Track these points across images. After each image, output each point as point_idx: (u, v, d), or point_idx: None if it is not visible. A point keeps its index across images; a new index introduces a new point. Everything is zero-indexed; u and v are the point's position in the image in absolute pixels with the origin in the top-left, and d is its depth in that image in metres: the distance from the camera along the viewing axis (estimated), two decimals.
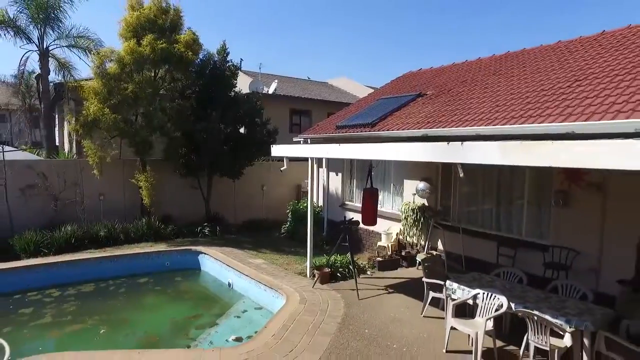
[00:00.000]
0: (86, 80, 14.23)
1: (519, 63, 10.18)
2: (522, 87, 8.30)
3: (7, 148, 12.24)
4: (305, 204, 12.32)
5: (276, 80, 19.92)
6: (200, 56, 12.53)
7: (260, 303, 7.57)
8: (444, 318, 5.74)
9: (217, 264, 9.37)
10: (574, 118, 5.95)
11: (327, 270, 7.88)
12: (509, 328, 5.70)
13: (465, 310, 5.72)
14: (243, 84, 16.31)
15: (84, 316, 7.14)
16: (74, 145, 14.21)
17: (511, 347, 5.25)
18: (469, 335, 5.25)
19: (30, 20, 11.99)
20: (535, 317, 4.55)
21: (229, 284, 8.69)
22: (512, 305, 4.89)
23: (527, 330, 4.69)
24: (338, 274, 8.02)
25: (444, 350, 5.22)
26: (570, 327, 4.38)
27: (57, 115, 19.34)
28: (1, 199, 10.11)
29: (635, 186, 6.11)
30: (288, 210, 12.95)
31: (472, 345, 5.01)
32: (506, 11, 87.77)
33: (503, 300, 4.91)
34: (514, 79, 9.12)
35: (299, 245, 11.11)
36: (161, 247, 10.54)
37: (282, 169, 7.88)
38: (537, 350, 4.84)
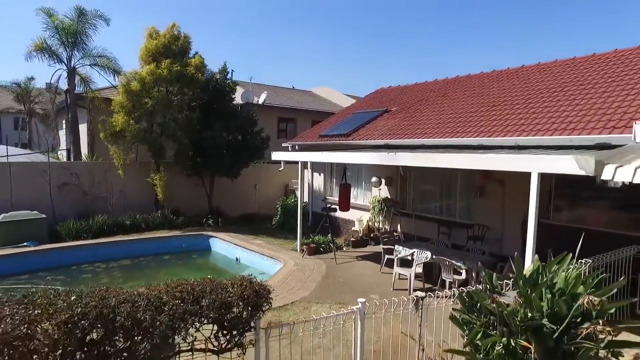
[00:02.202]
0: (101, 90, 16.55)
1: (462, 87, 12.99)
2: (459, 108, 11.09)
3: (18, 151, 14.38)
4: (292, 200, 14.90)
5: (265, 92, 22.38)
6: (205, 75, 14.96)
7: (263, 270, 10.08)
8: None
9: (225, 245, 11.86)
10: (483, 134, 8.73)
11: (313, 245, 10.50)
12: (437, 276, 8.41)
13: (408, 265, 8.40)
14: (235, 94, 18.71)
15: (132, 279, 9.56)
16: (87, 148, 16.46)
17: (435, 288, 7.94)
18: (408, 280, 7.91)
19: (60, 43, 14.20)
20: (447, 262, 7.27)
21: (237, 259, 11.18)
22: (434, 256, 7.60)
23: (441, 271, 7.41)
24: (321, 249, 10.64)
25: (392, 289, 7.89)
26: (464, 267, 7.11)
27: (64, 121, 21.40)
28: (46, 194, 12.35)
29: (520, 181, 8.91)
30: (278, 206, 15.41)
31: (409, 286, 7.68)
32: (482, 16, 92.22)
33: (428, 254, 7.62)
34: (456, 100, 11.91)
35: (288, 233, 13.62)
36: (177, 232, 12.96)
37: (280, 169, 10.48)
38: (449, 285, 7.56)
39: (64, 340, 2.50)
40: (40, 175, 12.32)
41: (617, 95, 7.90)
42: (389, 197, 11.82)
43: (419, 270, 7.61)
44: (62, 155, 19.40)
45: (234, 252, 11.39)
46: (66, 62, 14.52)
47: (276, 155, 10.44)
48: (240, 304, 3.20)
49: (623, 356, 4.72)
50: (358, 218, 12.59)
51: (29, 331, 2.40)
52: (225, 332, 3.28)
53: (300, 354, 5.31)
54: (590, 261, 4.99)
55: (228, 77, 15.57)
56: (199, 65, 13.96)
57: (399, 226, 11.70)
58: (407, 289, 7.69)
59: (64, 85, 15.37)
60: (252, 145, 15.10)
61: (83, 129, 16.67)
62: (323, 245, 10.74)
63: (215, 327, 3.27)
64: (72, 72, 14.68)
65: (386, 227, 11.88)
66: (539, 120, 8.28)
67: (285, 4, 76.65)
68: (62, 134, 23.02)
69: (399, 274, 7.97)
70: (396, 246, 8.44)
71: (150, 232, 13.06)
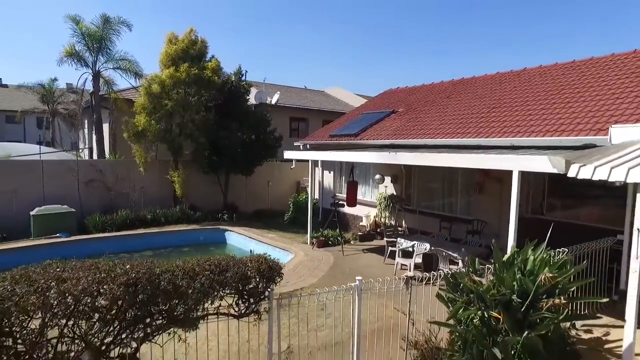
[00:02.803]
0: (121, 91, 17.47)
1: (466, 89, 13.51)
2: (462, 109, 11.65)
3: (47, 149, 15.32)
4: (303, 197, 15.61)
5: (278, 92, 23.09)
6: (221, 77, 15.74)
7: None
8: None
9: (240, 238, 12.63)
10: (481, 135, 9.31)
11: (322, 238, 11.21)
12: (435, 267, 9.03)
13: (410, 257, 9.04)
14: (249, 95, 19.47)
15: None
16: (109, 147, 17.41)
17: None
18: (408, 269, 8.55)
19: (86, 49, 15.13)
20: (443, 253, 7.89)
21: (251, 251, 11.82)
22: (432, 248, 8.23)
23: (438, 262, 8.04)
24: (329, 242, 11.34)
25: (395, 275, 8.53)
26: (459, 257, 7.72)
27: (86, 121, 22.47)
28: (75, 189, 13.29)
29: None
30: (290, 202, 16.15)
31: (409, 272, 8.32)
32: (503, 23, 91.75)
33: (427, 245, 8.25)
34: (459, 102, 12.46)
35: (299, 228, 14.32)
36: (194, 226, 13.79)
37: (291, 167, 11.19)
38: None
39: (122, 299, 3.24)
40: (69, 172, 13.26)
41: (608, 99, 8.41)
42: (395, 194, 12.45)
43: (419, 260, 8.25)
44: (84, 153, 20.47)
45: (249, 244, 12.13)
46: (91, 66, 15.44)
47: (288, 154, 11.18)
48: (257, 276, 3.92)
49: (592, 333, 5.34)
50: (366, 214, 13.25)
51: (98, 289, 3.14)
52: (244, 300, 3.99)
53: (307, 330, 6.02)
54: (567, 250, 5.58)
55: (242, 79, 16.35)
56: (215, 69, 14.76)
57: (404, 221, 12.33)
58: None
59: (87, 87, 16.30)
60: (266, 144, 15.84)
61: (105, 128, 17.61)
62: (331, 239, 11.43)
63: (236, 296, 3.98)
64: (96, 76, 15.61)
65: (392, 222, 12.51)
66: (534, 122, 8.83)
67: (296, 3, 77.56)
68: (83, 134, 24.18)
69: (401, 264, 8.62)
70: (398, 239, 9.09)
71: (169, 225, 13.91)
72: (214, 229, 13.56)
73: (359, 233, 12.37)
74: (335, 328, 6.21)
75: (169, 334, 3.75)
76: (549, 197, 9.14)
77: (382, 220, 12.70)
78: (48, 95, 30.37)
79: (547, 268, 4.41)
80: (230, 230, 13.23)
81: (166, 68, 14.28)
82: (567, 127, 8.01)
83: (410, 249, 8.72)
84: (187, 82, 14.16)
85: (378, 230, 12.69)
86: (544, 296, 4.32)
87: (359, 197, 13.70)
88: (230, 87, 15.87)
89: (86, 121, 22.30)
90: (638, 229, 4.14)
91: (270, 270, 4.00)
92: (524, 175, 9.50)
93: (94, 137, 16.19)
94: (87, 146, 18.87)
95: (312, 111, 24.10)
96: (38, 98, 30.17)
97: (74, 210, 12.52)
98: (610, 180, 4.23)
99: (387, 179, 12.60)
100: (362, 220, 13.31)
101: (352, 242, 11.98)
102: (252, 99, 18.21)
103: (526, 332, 4.01)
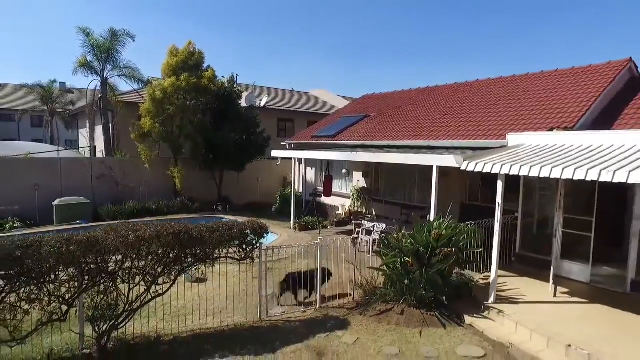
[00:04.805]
0: (123, 94, 19.35)
1: (429, 96, 15.73)
2: (422, 115, 13.87)
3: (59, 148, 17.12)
4: (289, 191, 17.70)
5: (267, 95, 25.18)
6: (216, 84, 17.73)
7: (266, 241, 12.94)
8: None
9: None
10: (432, 138, 11.55)
11: (303, 223, 13.37)
12: None
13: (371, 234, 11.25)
14: (241, 99, 21.47)
15: None
16: (111, 146, 19.29)
17: None
18: (368, 244, 10.75)
19: (95, 58, 17.02)
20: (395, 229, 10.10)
21: None
22: (387, 227, 10.44)
23: None
24: (309, 226, 13.51)
25: (359, 251, 10.73)
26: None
27: (87, 121, 24.25)
28: (88, 183, 15.23)
29: (459, 174, 11.72)
30: (277, 195, 18.21)
31: (369, 248, 10.53)
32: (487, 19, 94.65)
33: (384, 226, 10.47)
34: (420, 108, 14.68)
35: (285, 217, 16.41)
36: (194, 215, 15.82)
37: (277, 164, 13.30)
38: None
39: (171, 244, 5.34)
40: (83, 169, 15.19)
41: (526, 109, 10.70)
42: (366, 187, 14.65)
43: (377, 237, 10.46)
44: (86, 151, 22.27)
45: None
46: (100, 74, 17.33)
47: (274, 153, 13.33)
48: (251, 233, 6.05)
49: (488, 280, 7.59)
50: (342, 204, 15.44)
51: (158, 235, 5.23)
52: (243, 249, 6.12)
53: None
54: (474, 222, 7.81)
55: (235, 85, 18.37)
56: (211, 77, 16.77)
57: (373, 210, 14.55)
58: (366, 251, 10.56)
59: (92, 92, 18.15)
60: (256, 144, 17.87)
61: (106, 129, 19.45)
62: (311, 224, 13.60)
63: (238, 247, 6.12)
64: (104, 83, 17.49)
65: (363, 210, 14.71)
66: (471, 127, 11.09)
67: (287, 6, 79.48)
68: (83, 133, 25.97)
69: (364, 240, 10.82)
70: (363, 221, 11.30)
71: (171, 215, 15.90)
72: (211, 217, 15.59)
73: (335, 220, 14.55)
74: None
75: (196, 269, 5.87)
76: (482, 189, 11.40)
77: (355, 209, 14.90)
78: (47, 96, 32.03)
79: (444, 230, 6.64)
80: (225, 218, 15.21)
81: (168, 77, 16.24)
82: (492, 132, 10.28)
83: (372, 229, 10.93)
84: (187, 90, 16.15)
85: (351, 218, 14.87)
86: (443, 248, 6.55)
87: (337, 190, 15.90)
88: (224, 93, 17.86)
89: (87, 122, 24.09)
90: (498, 203, 6.37)
91: (260, 229, 6.13)
92: (465, 171, 11.72)
93: (103, 137, 18.04)
94: (89, 145, 20.67)
95: (298, 112, 26.22)
96: (37, 98, 31.77)
97: (89, 201, 14.46)
98: (483, 171, 6.45)
99: (359, 174, 14.80)
100: (338, 210, 15.49)
101: (329, 227, 14.16)
102: (243, 102, 20.21)
103: (425, 269, 6.23)
